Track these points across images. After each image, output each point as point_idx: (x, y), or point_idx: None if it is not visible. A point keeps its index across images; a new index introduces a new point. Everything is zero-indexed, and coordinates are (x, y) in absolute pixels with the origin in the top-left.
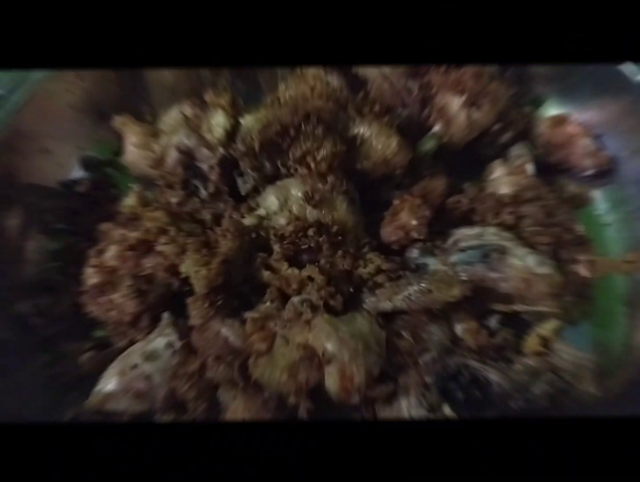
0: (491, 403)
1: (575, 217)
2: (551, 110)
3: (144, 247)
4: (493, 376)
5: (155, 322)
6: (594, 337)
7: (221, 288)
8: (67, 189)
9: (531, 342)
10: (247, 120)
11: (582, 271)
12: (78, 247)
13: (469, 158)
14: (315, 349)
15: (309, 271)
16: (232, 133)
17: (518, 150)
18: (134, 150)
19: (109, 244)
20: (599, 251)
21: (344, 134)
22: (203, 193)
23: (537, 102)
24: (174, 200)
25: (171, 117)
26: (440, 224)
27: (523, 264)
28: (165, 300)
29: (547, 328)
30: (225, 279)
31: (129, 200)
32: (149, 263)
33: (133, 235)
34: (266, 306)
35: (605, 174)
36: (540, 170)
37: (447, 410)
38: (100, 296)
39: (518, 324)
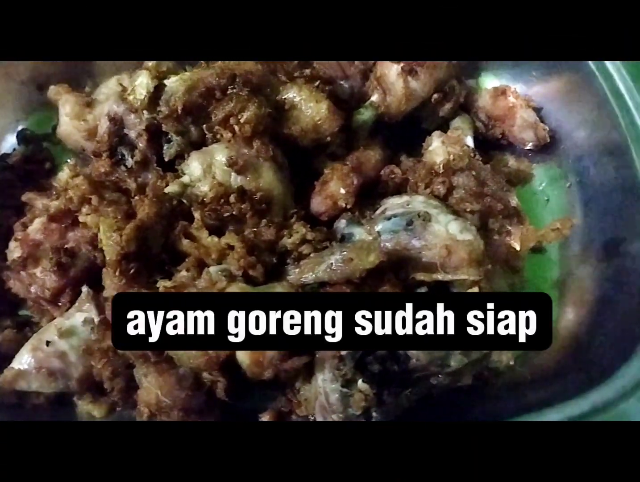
0: (409, 377)
1: (510, 189)
2: (492, 82)
3: (69, 219)
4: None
5: (76, 298)
6: None
7: (135, 256)
8: None
9: None
10: (171, 82)
11: (512, 241)
12: (7, 221)
13: (407, 130)
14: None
15: (229, 238)
16: (155, 95)
17: (457, 123)
18: (68, 121)
19: (35, 217)
20: (532, 223)
21: (271, 98)
22: (129, 161)
23: (477, 74)
24: (101, 169)
25: (108, 86)
26: (373, 196)
27: (445, 231)
28: (88, 275)
29: None
30: (141, 247)
31: (63, 175)
32: (73, 237)
33: (54, 204)
34: (181, 275)
35: (545, 148)
36: (480, 144)
37: (362, 384)
38: (21, 271)
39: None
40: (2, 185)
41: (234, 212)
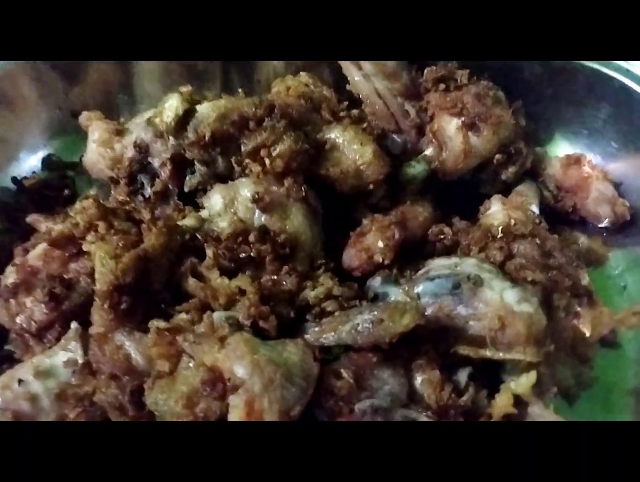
0: None
1: (581, 265)
2: (564, 150)
3: (73, 247)
4: None
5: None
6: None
7: (131, 290)
8: (16, 185)
9: (501, 401)
10: (203, 107)
11: (580, 325)
12: (12, 246)
13: (462, 194)
14: (223, 372)
15: (241, 281)
16: (184, 120)
17: (522, 190)
18: (94, 148)
19: (38, 242)
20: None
21: (311, 136)
22: (148, 191)
23: (547, 140)
24: (117, 197)
25: (143, 117)
26: (416, 258)
27: (500, 299)
28: (83, 312)
29: (522, 383)
30: (140, 281)
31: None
32: (75, 267)
33: (57, 228)
34: (180, 317)
35: (624, 227)
36: (546, 217)
37: None
38: (11, 299)
39: (493, 379)
40: (14, 209)
41: (252, 254)
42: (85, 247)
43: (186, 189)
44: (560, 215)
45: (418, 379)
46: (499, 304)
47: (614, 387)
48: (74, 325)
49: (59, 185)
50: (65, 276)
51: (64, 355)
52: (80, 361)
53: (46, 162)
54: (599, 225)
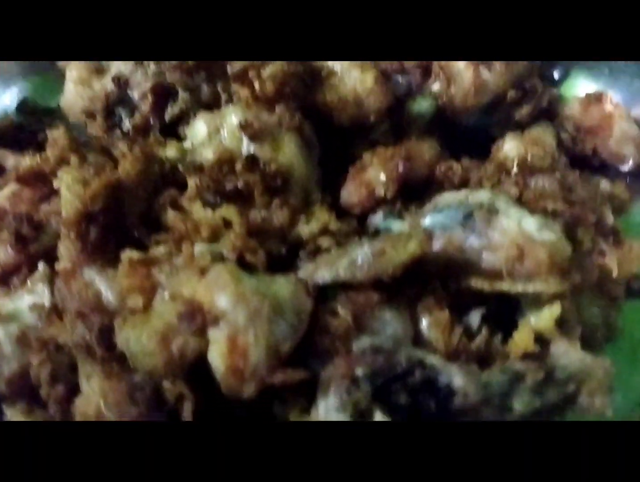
0: (448, 416)
1: (606, 203)
2: (584, 88)
3: (43, 185)
4: (458, 380)
5: None
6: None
7: (101, 219)
8: None
9: (520, 338)
10: None
11: (608, 262)
12: None
13: (473, 135)
14: (202, 304)
15: (226, 211)
16: None
17: (537, 132)
18: (72, 88)
19: (6, 182)
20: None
21: (305, 63)
22: (127, 125)
23: (565, 79)
24: (92, 132)
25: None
26: (421, 193)
27: (518, 228)
28: (53, 255)
29: (544, 317)
30: (112, 211)
31: None
32: (46, 208)
33: (25, 162)
34: (157, 249)
35: None
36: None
37: (379, 417)
38: None
39: (508, 317)
40: None
41: (239, 185)
42: (56, 185)
43: (167, 119)
44: (580, 161)
45: (424, 322)
46: (517, 232)
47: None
48: (41, 265)
49: (32, 129)
50: (35, 217)
51: (29, 298)
52: (47, 305)
53: (21, 106)
54: (622, 170)
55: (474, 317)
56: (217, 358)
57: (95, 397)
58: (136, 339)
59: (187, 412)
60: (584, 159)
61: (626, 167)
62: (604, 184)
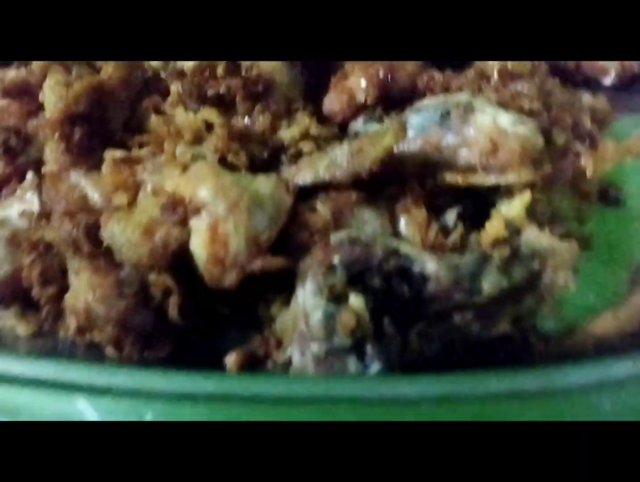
0: (423, 307)
1: (584, 109)
2: None
3: (30, 99)
4: (431, 266)
5: None
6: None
7: (85, 121)
8: None
9: (491, 226)
10: None
11: (582, 160)
12: None
13: None
14: (184, 197)
15: (208, 114)
16: None
17: None
18: None
19: None
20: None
21: None
22: None
23: None
24: None
25: None
26: (403, 103)
27: (492, 123)
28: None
29: (514, 205)
30: (95, 113)
31: None
32: (34, 123)
33: (10, 74)
34: (141, 151)
35: (632, 84)
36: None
37: (355, 299)
38: None
39: (483, 216)
40: None
41: (220, 90)
42: (41, 98)
43: None
44: (561, 76)
45: (403, 221)
46: (491, 127)
47: (613, 251)
48: (30, 174)
49: None
50: (23, 131)
51: (19, 207)
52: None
53: None
54: (605, 83)
55: (450, 215)
56: (199, 247)
57: (83, 291)
58: (121, 232)
59: (173, 307)
60: (566, 74)
61: (608, 80)
62: (586, 98)
